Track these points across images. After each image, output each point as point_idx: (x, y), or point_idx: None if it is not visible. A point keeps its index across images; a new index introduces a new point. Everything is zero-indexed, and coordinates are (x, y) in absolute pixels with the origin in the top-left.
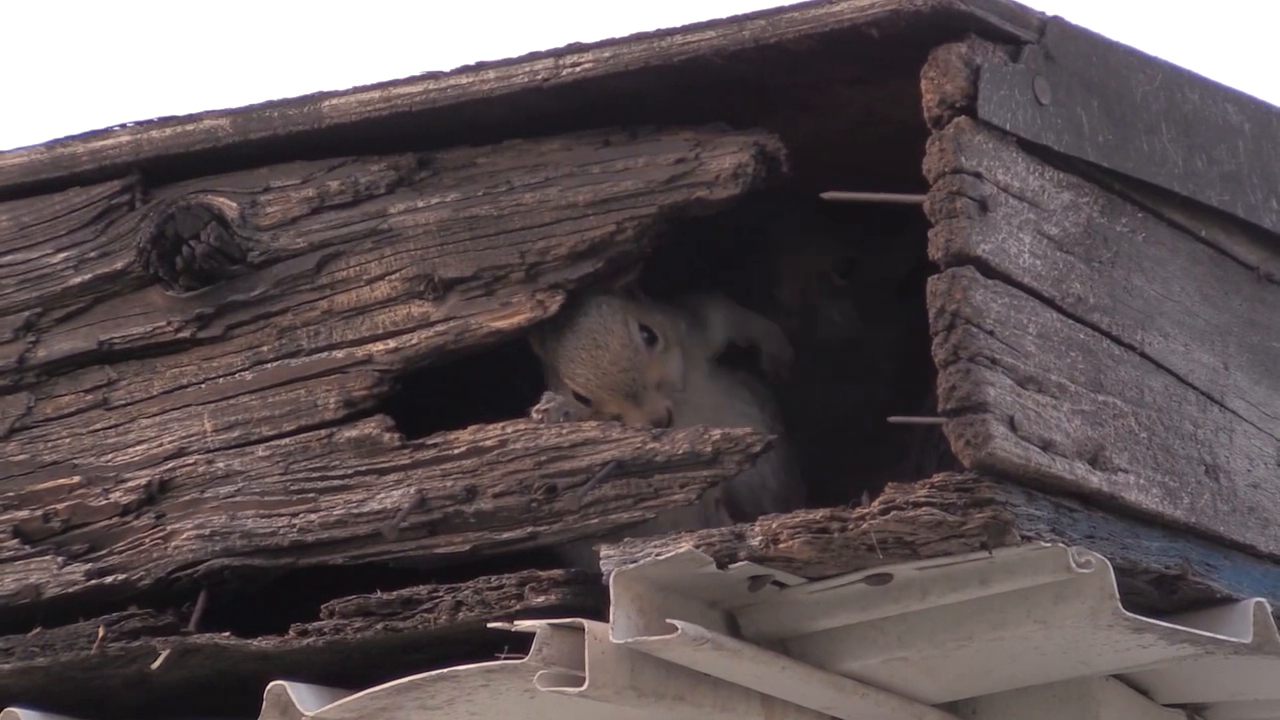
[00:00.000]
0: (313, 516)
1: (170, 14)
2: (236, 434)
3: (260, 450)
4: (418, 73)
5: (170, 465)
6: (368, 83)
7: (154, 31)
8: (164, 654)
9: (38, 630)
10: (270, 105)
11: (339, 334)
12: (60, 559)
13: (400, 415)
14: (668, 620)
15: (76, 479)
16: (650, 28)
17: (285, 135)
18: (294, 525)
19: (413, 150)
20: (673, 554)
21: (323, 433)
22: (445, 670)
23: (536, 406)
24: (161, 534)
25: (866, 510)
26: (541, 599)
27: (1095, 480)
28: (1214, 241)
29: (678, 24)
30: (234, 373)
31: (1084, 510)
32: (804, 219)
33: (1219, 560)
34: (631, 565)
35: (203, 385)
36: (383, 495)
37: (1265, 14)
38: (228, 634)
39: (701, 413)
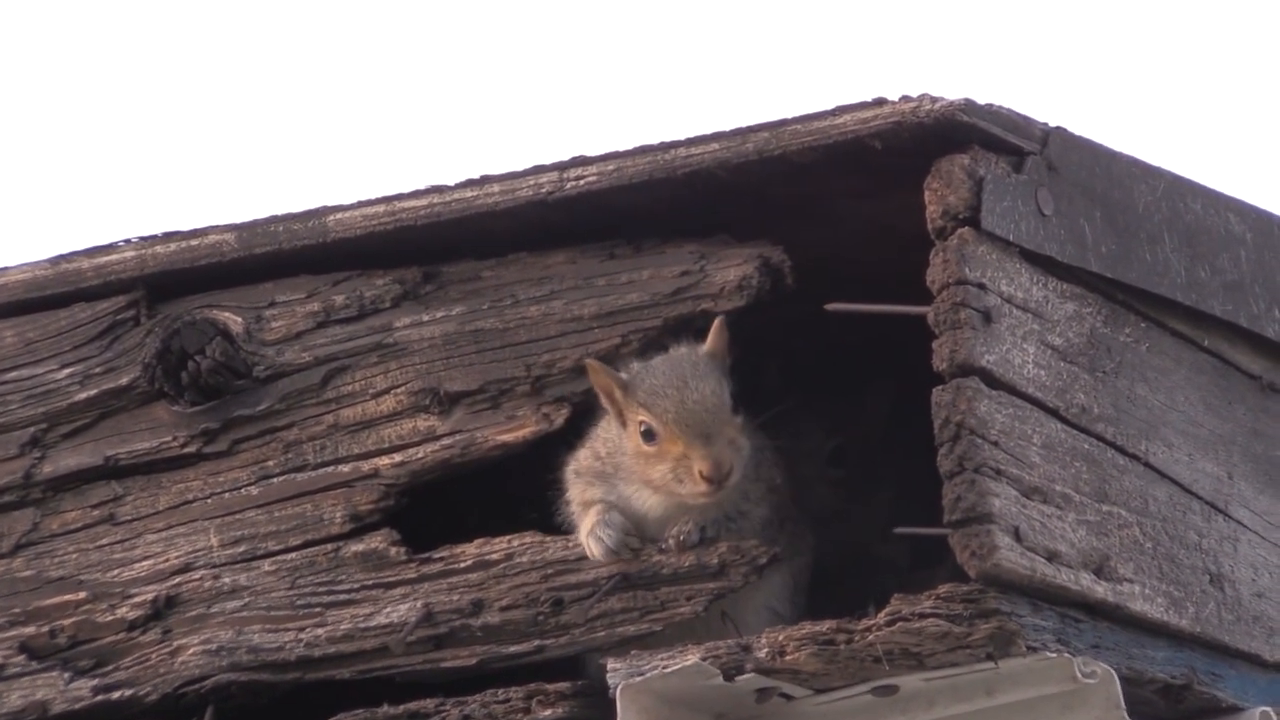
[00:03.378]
0: (319, 631)
1: (173, 129)
2: (243, 549)
3: (266, 565)
4: (422, 186)
5: (177, 580)
6: (372, 196)
7: (158, 147)
8: None
9: None
10: (275, 220)
11: (345, 448)
12: (67, 675)
13: (406, 529)
14: None
15: (83, 594)
16: (654, 140)
17: (290, 249)
18: (300, 640)
19: (418, 264)
20: (679, 666)
21: (329, 547)
22: None
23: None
24: (168, 649)
25: (872, 622)
26: (548, 712)
27: (1100, 590)
28: (1217, 351)
29: (681, 136)
30: (240, 487)
31: (1089, 620)
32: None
33: (1224, 669)
34: (638, 678)
35: (209, 500)
36: (389, 609)
37: (1268, 119)
38: None
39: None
